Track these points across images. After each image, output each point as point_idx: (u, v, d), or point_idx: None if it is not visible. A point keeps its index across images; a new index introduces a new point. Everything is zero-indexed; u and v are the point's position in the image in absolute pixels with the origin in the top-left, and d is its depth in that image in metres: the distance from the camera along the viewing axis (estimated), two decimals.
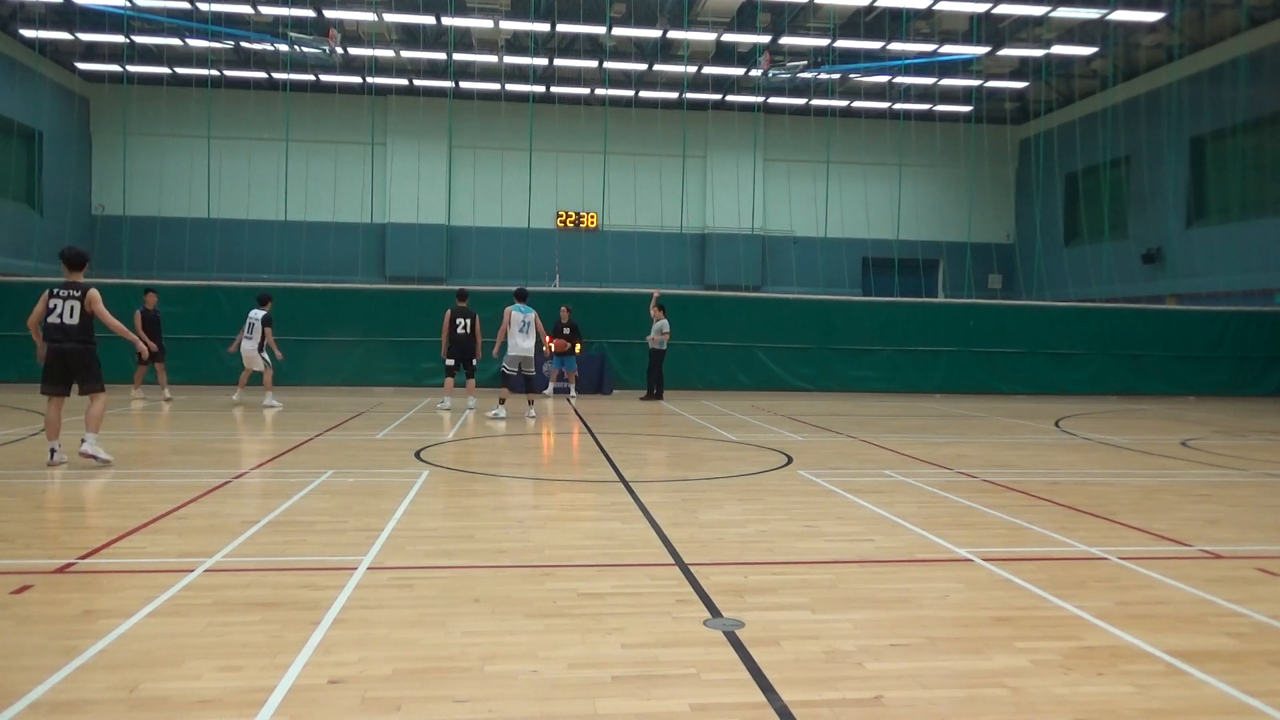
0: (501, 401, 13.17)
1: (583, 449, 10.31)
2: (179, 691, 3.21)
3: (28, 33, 28.85)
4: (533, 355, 13.04)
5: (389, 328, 18.67)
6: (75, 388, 8.24)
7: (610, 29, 26.29)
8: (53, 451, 8.12)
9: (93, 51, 31.38)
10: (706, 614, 4.20)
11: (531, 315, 12.98)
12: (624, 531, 5.91)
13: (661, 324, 17.05)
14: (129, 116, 31.63)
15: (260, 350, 14.39)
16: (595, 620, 4.09)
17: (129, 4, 25.54)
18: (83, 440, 8.10)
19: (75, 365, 8.16)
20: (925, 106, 32.42)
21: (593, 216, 35.64)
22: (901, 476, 8.40)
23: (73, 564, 4.85)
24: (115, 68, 31.80)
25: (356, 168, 34.40)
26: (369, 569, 4.85)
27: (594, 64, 29.92)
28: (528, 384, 13.47)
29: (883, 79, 29.72)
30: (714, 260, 35.69)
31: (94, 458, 8.08)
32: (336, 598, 4.32)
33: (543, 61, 30.01)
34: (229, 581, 4.59)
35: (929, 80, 29.19)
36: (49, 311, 8.12)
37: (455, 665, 3.52)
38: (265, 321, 14.35)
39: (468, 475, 8.09)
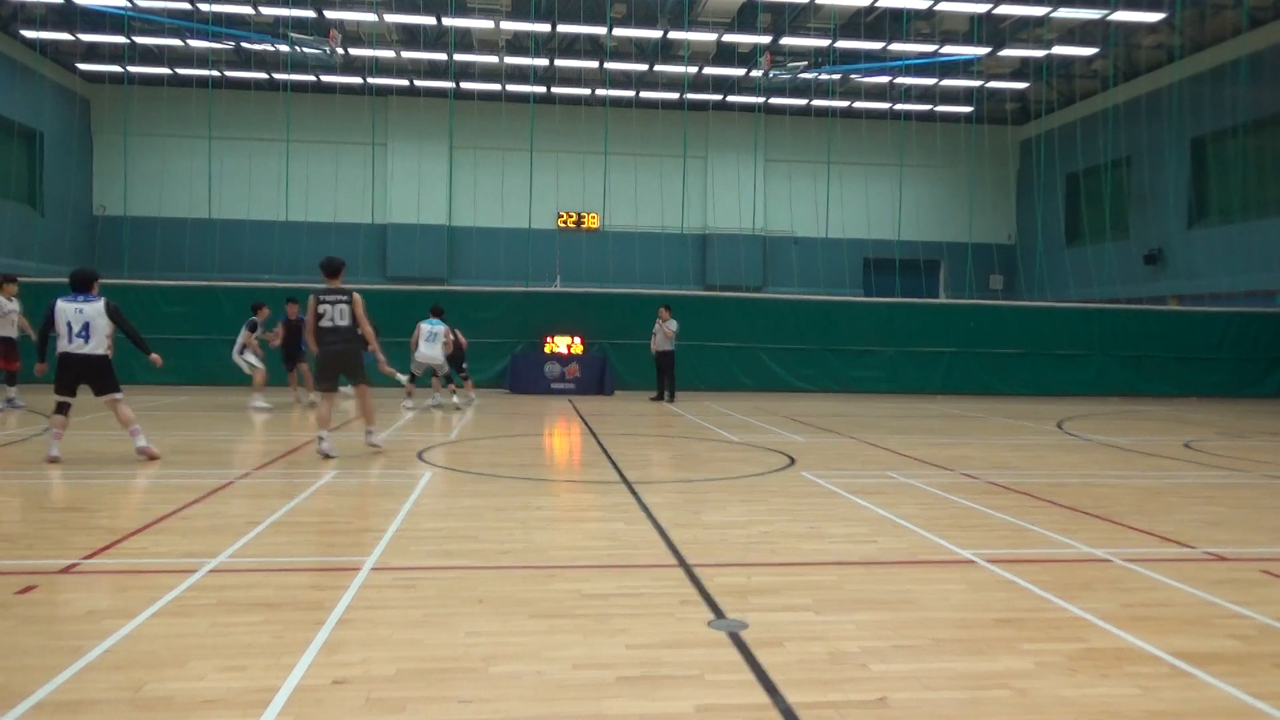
0: (409, 395, 15.06)
1: (585, 450, 10.31)
2: (183, 692, 3.21)
3: (29, 33, 28.84)
4: (440, 359, 14.56)
5: (390, 328, 18.56)
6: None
7: (611, 29, 26.30)
8: (321, 439, 8.97)
9: (93, 52, 31.40)
10: (710, 615, 4.20)
11: (440, 328, 14.57)
12: (627, 532, 5.91)
13: (670, 323, 16.75)
14: (130, 117, 31.63)
15: (240, 354, 14.58)
16: (599, 621, 4.09)
17: (130, 4, 25.55)
18: (368, 431, 9.39)
19: (347, 362, 9.18)
20: (926, 107, 32.41)
21: (594, 217, 35.64)
22: (904, 478, 8.39)
23: (76, 564, 4.85)
24: (116, 68, 31.81)
25: (357, 168, 34.42)
26: (373, 569, 4.85)
27: (595, 64, 29.94)
28: (447, 379, 15.25)
29: (883, 79, 29.71)
30: (715, 261, 35.69)
31: (377, 446, 9.24)
32: (340, 598, 4.32)
33: (543, 62, 30.03)
34: (233, 582, 4.59)
35: (930, 81, 29.19)
36: (319, 317, 9.08)
37: (459, 666, 3.52)
38: (249, 327, 14.61)
39: (470, 476, 8.09)
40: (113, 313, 8.52)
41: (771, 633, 3.96)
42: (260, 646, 3.67)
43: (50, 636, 3.75)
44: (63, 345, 8.35)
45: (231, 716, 3.02)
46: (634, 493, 7.36)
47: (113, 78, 33.20)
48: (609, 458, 9.42)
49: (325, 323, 9.07)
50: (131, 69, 31.04)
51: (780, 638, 3.90)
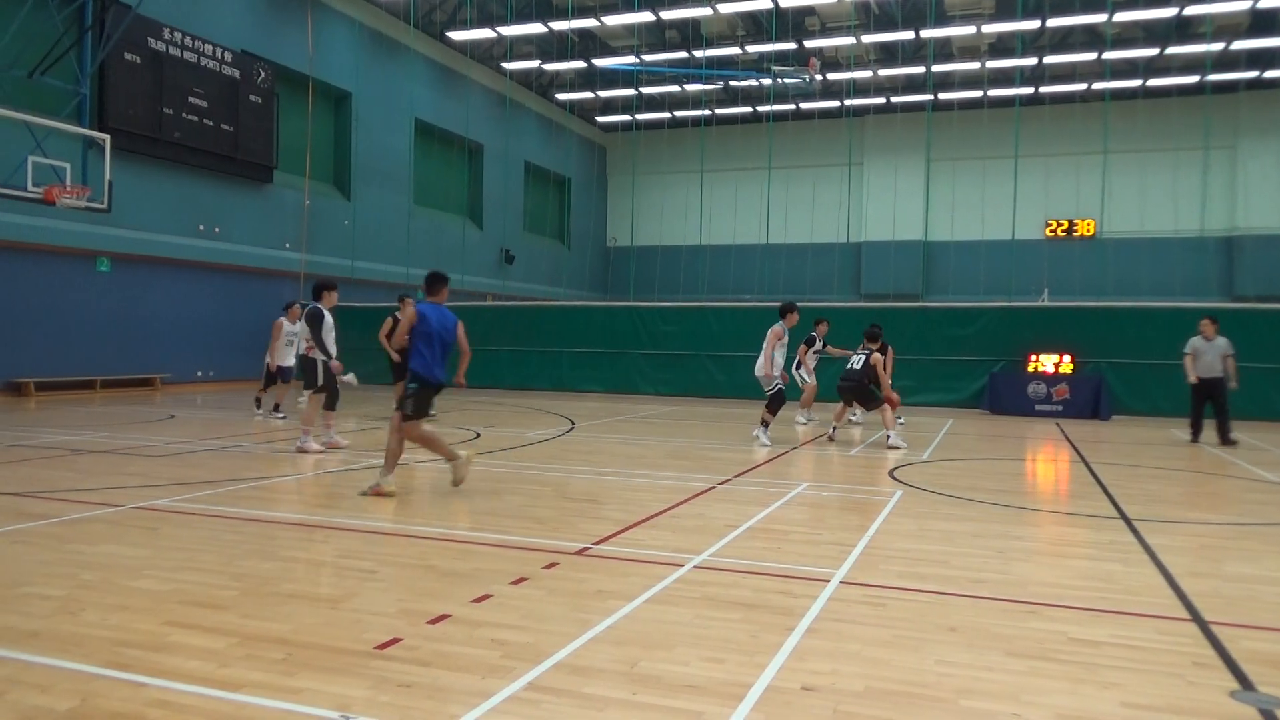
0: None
1: (1074, 479, 9.36)
2: (670, 674, 3.52)
3: (561, 96, 34.28)
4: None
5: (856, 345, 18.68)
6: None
7: (1112, 15, 23.74)
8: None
9: (609, 106, 36.29)
10: (1235, 685, 3.53)
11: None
12: (1125, 575, 5.23)
13: (1219, 343, 12.63)
14: (637, 159, 35.99)
15: (797, 369, 14.48)
16: (1088, 670, 3.66)
17: (638, 61, 29.07)
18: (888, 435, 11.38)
19: (861, 395, 11.95)
20: None
21: (1088, 223, 32.47)
22: None
23: (589, 548, 5.59)
24: (626, 117, 36.44)
25: (833, 190, 35.28)
26: (842, 583, 4.88)
27: (1092, 56, 27.25)
28: None
29: None
30: (1245, 266, 30.39)
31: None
32: (810, 607, 4.41)
33: (1031, 61, 28.09)
34: (714, 579, 4.93)
35: None
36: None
37: (928, 694, 3.38)
38: (808, 343, 14.66)
39: (944, 498, 7.79)
40: (306, 319, 9.99)
41: None
42: (737, 643, 3.89)
43: (568, 608, 4.35)
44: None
45: (711, 703, 3.24)
46: (1135, 531, 6.49)
47: (624, 126, 38.10)
48: (1104, 489, 8.44)
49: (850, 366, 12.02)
50: (639, 116, 35.33)
51: None
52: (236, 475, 8.29)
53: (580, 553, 5.47)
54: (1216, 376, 12.63)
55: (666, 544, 5.75)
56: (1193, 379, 12.80)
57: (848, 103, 33.03)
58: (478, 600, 4.44)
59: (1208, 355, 12.68)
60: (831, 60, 29.40)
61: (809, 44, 27.04)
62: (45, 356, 17.17)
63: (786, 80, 26.68)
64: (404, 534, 5.94)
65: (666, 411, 16.44)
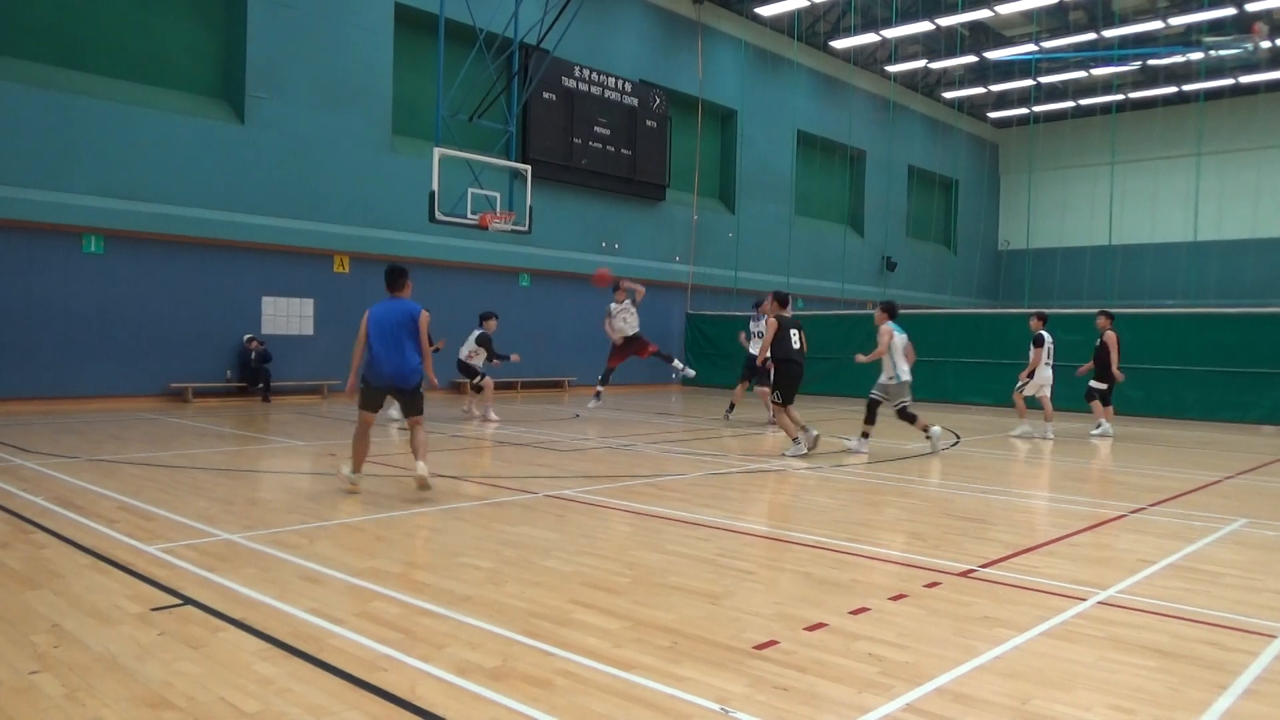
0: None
1: None
2: (1068, 716, 3.18)
3: (948, 94, 32.81)
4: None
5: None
6: None
7: None
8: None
9: (1002, 100, 34.04)
10: None
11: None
12: None
13: None
14: (1034, 154, 33.38)
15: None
16: None
17: (1036, 48, 26.91)
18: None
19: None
20: None
21: None
22: None
23: (974, 570, 5.25)
24: (1022, 110, 34.00)
25: None
26: None
27: None
28: None
29: None
30: None
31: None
32: (1249, 664, 3.75)
33: None
34: (1121, 618, 4.39)
35: None
36: None
37: None
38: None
39: None
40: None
41: None
42: (1150, 694, 3.42)
43: (950, 631, 4.12)
44: None
45: None
46: None
47: (1018, 120, 35.56)
48: None
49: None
50: (1036, 109, 32.76)
51: None
52: (630, 471, 8.96)
53: (965, 574, 5.16)
54: None
55: (1064, 574, 5.22)
56: None
57: None
58: (855, 612, 4.36)
59: None
60: None
61: (1251, 6, 23.19)
62: None
63: (1222, 52, 23.05)
64: (779, 538, 6.02)
65: (1064, 429, 14.99)
